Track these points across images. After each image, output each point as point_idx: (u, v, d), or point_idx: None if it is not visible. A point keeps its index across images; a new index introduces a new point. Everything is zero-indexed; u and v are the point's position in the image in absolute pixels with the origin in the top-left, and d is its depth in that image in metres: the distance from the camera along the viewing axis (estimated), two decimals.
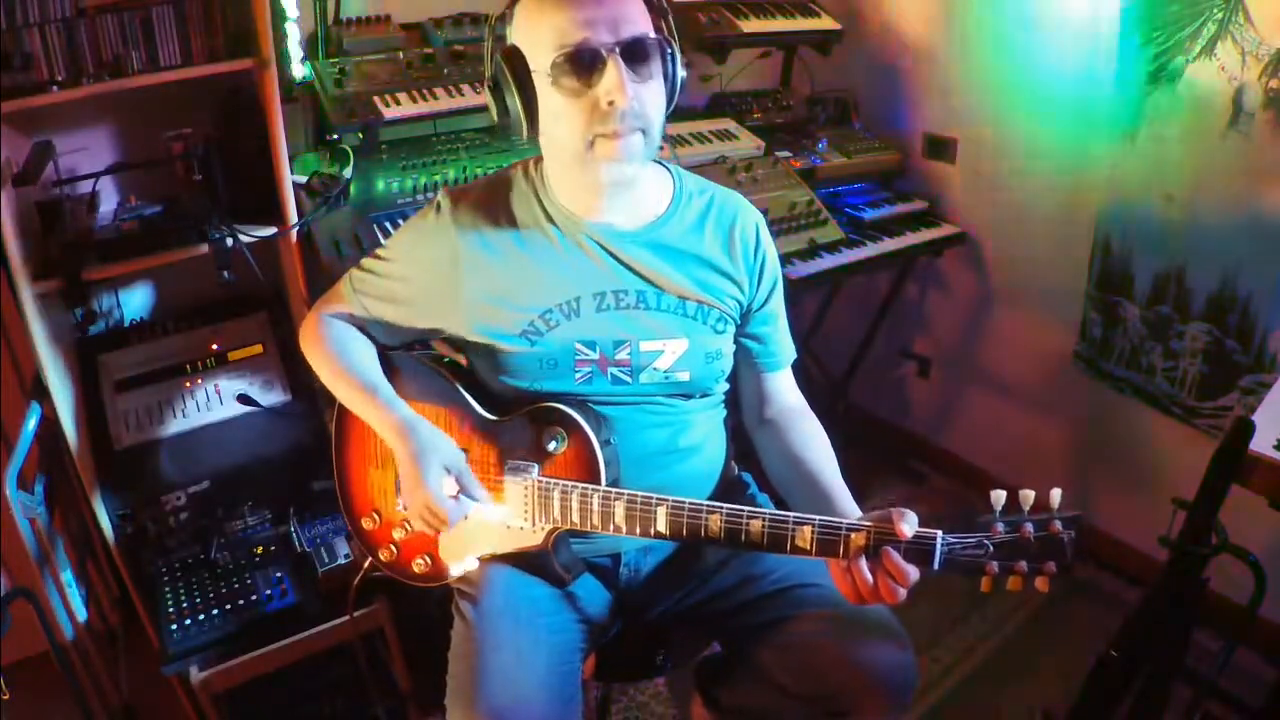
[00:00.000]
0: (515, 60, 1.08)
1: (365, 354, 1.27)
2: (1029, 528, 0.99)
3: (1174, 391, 2.13)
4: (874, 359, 2.80)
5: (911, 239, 2.36)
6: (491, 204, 1.20)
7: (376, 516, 1.31)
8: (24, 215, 1.62)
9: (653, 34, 1.07)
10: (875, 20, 2.62)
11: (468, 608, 1.20)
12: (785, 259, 2.06)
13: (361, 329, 1.29)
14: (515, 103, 1.09)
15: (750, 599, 1.26)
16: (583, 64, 1.03)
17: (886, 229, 2.36)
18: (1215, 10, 1.83)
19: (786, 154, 2.39)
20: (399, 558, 1.30)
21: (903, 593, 1.01)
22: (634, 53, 1.04)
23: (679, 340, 1.20)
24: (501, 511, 1.20)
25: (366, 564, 1.36)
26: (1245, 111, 1.83)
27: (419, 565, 1.28)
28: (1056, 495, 1.00)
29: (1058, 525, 0.99)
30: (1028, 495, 1.00)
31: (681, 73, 1.12)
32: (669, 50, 1.09)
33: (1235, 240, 1.92)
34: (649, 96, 1.08)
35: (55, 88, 1.54)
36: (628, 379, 1.20)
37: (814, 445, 1.26)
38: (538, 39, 1.06)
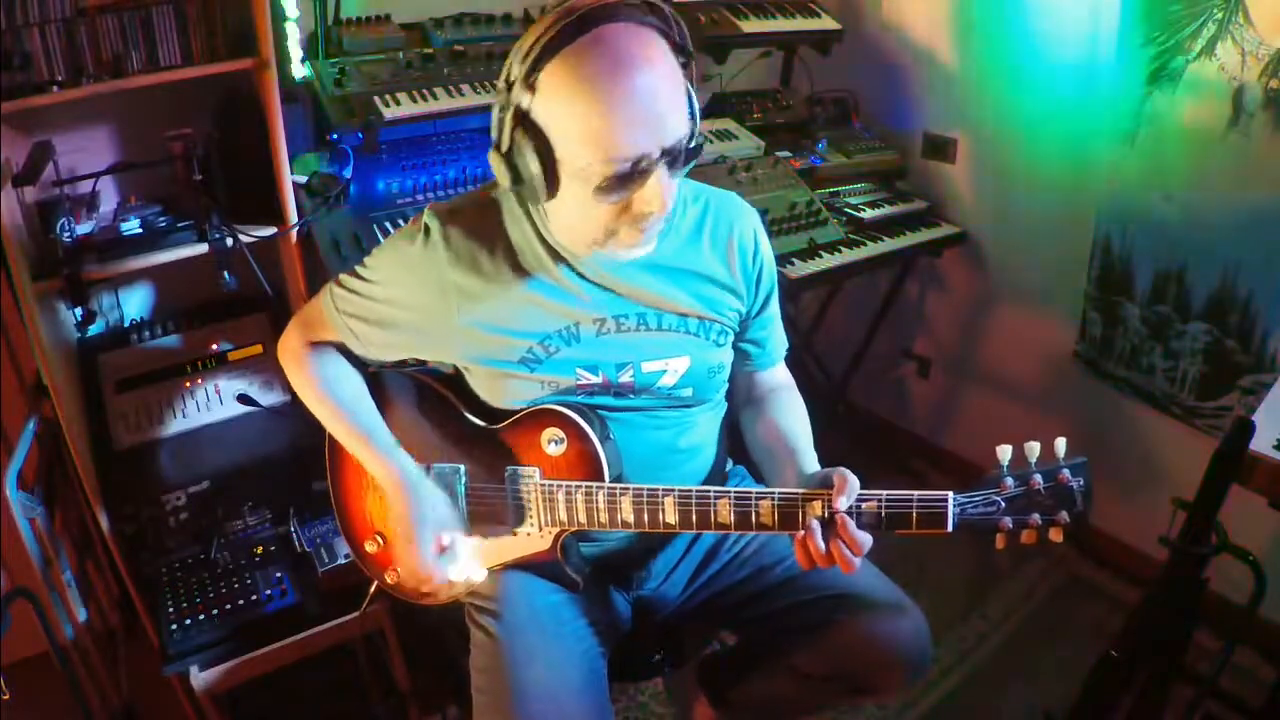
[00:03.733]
0: (538, 140, 0.97)
1: (359, 392, 1.24)
2: (1038, 479, 1.00)
3: (1174, 391, 2.13)
4: (874, 359, 2.80)
5: (911, 239, 2.36)
6: (483, 228, 1.14)
7: (379, 539, 1.30)
8: (24, 215, 1.62)
9: (687, 136, 1.00)
10: (875, 20, 2.62)
11: (489, 622, 1.18)
12: (785, 259, 2.07)
13: (348, 356, 1.25)
14: (533, 176, 1.00)
15: (763, 588, 1.27)
16: (625, 179, 0.97)
17: (886, 229, 2.36)
18: (1215, 10, 1.83)
19: (786, 154, 2.39)
20: (404, 579, 1.29)
21: (856, 561, 1.02)
22: (675, 158, 0.99)
23: (681, 359, 1.19)
24: (485, 544, 1.21)
25: (374, 586, 1.35)
26: (1245, 111, 1.83)
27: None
28: (1061, 444, 1.01)
29: (1066, 474, 1.00)
30: (1033, 447, 1.01)
31: (697, 106, 1.04)
32: (700, 148, 1.04)
33: (1235, 240, 1.92)
34: (676, 186, 1.04)
35: (55, 88, 1.54)
36: (631, 395, 1.19)
37: (788, 411, 1.29)
38: (573, 138, 0.96)
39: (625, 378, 1.17)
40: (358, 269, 1.20)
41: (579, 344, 1.16)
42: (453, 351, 1.19)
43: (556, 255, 1.13)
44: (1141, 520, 1.99)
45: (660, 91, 0.95)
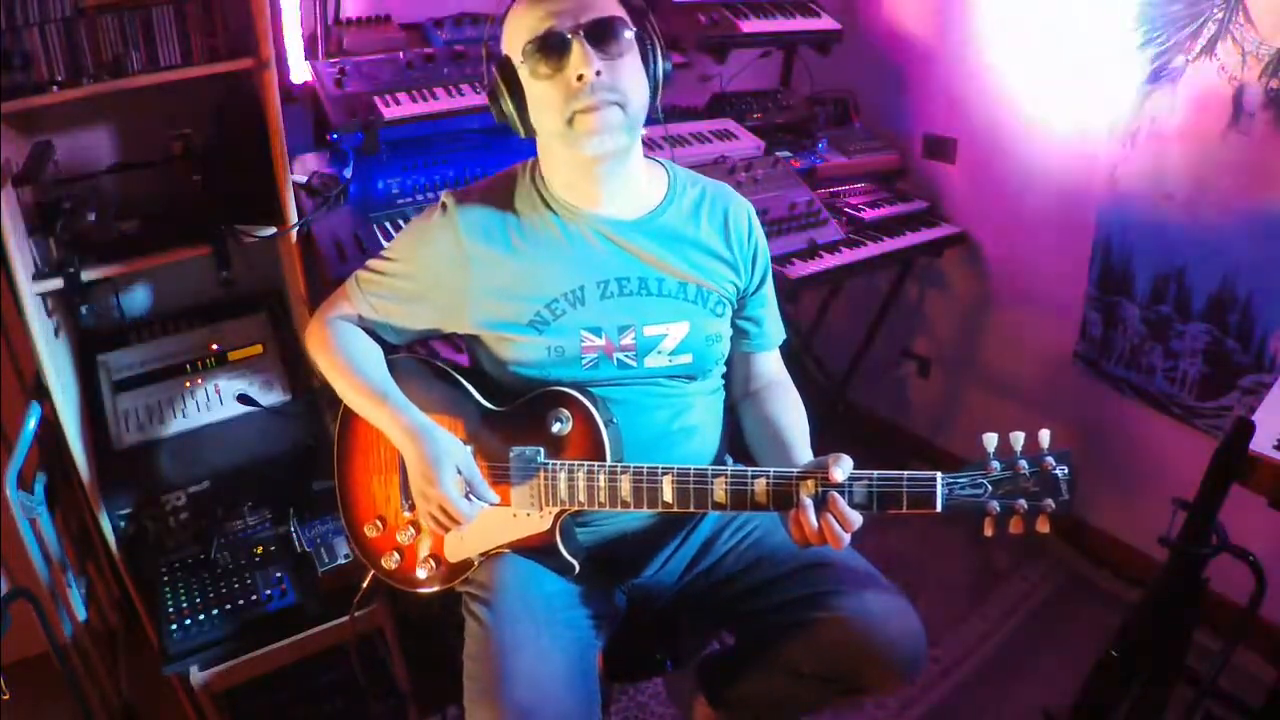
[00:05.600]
0: (505, 67, 1.17)
1: (373, 357, 1.29)
2: (1022, 465, 1.04)
3: (1174, 391, 2.13)
4: (874, 359, 2.80)
5: (911, 239, 2.36)
6: (495, 201, 1.25)
7: (380, 523, 1.32)
8: (24, 215, 1.62)
9: (611, 15, 1.13)
10: (875, 20, 2.62)
11: (481, 610, 1.20)
12: (785, 259, 2.07)
13: (369, 330, 1.31)
14: (508, 105, 1.18)
15: (758, 582, 1.28)
16: (550, 48, 1.11)
17: (886, 229, 2.36)
18: (1215, 10, 1.83)
19: (786, 154, 2.39)
20: (403, 564, 1.30)
21: (847, 537, 1.07)
22: (598, 33, 1.11)
23: (680, 324, 1.25)
24: (497, 501, 1.21)
25: (369, 577, 1.36)
26: (1245, 111, 1.83)
27: (423, 571, 1.28)
28: (1045, 435, 1.05)
29: (1050, 462, 1.04)
30: (1017, 437, 1.05)
31: (662, 60, 1.19)
32: (637, 30, 1.15)
33: (1235, 240, 1.92)
34: (622, 71, 1.13)
35: (55, 88, 1.54)
36: (632, 363, 1.24)
37: (787, 409, 1.33)
38: (516, 38, 1.14)
39: (627, 340, 1.23)
40: (380, 253, 1.31)
41: (584, 306, 1.22)
42: (467, 319, 1.25)
43: (560, 218, 1.23)
44: (1141, 520, 1.99)
45: None
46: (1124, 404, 2.26)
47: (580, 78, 1.10)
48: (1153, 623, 1.44)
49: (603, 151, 1.15)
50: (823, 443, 1.29)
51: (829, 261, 2.14)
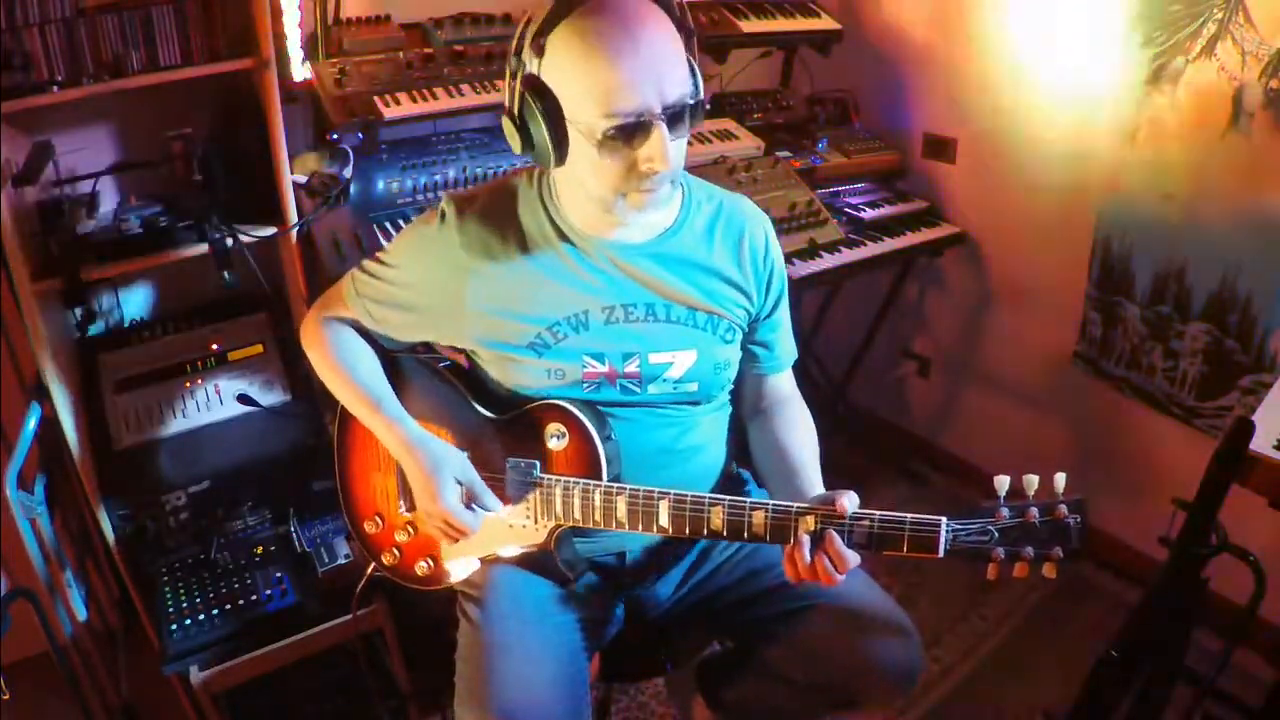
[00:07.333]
0: (546, 100, 1.02)
1: (371, 363, 1.26)
2: (1034, 513, 1.00)
3: (1174, 391, 2.13)
4: (874, 359, 2.80)
5: (911, 239, 2.36)
6: (497, 214, 1.18)
7: (379, 520, 1.32)
8: (24, 215, 1.62)
9: (690, 94, 1.03)
10: (875, 20, 2.62)
11: (473, 610, 1.20)
12: (785, 259, 2.05)
13: (364, 334, 1.28)
14: (544, 139, 1.04)
15: (755, 593, 1.27)
16: (629, 132, 1.00)
17: (886, 229, 2.36)
18: (1215, 10, 1.83)
19: (786, 154, 2.39)
20: (402, 561, 1.31)
21: (840, 577, 1.03)
22: (677, 118, 1.02)
23: (688, 352, 1.19)
24: (505, 510, 1.20)
25: (370, 569, 1.36)
26: (1245, 111, 1.83)
27: (421, 568, 1.29)
28: (1061, 480, 1.00)
29: (1063, 510, 0.99)
30: (1031, 480, 1.00)
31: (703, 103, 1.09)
32: (702, 105, 1.06)
33: (1235, 240, 1.92)
34: (680, 148, 1.06)
35: (55, 88, 1.54)
36: (636, 389, 1.20)
37: (796, 428, 1.29)
38: (579, 93, 1.00)
39: (631, 368, 1.18)
40: (378, 255, 1.24)
41: (587, 332, 1.17)
42: (464, 334, 1.20)
43: (567, 240, 1.16)
44: (1141, 520, 1.99)
45: (660, 49, 1.00)
46: (1124, 404, 2.26)
47: (651, 168, 1.02)
48: (1153, 623, 1.44)
49: (643, 222, 1.12)
50: (824, 443, 1.29)
51: (829, 261, 2.14)
